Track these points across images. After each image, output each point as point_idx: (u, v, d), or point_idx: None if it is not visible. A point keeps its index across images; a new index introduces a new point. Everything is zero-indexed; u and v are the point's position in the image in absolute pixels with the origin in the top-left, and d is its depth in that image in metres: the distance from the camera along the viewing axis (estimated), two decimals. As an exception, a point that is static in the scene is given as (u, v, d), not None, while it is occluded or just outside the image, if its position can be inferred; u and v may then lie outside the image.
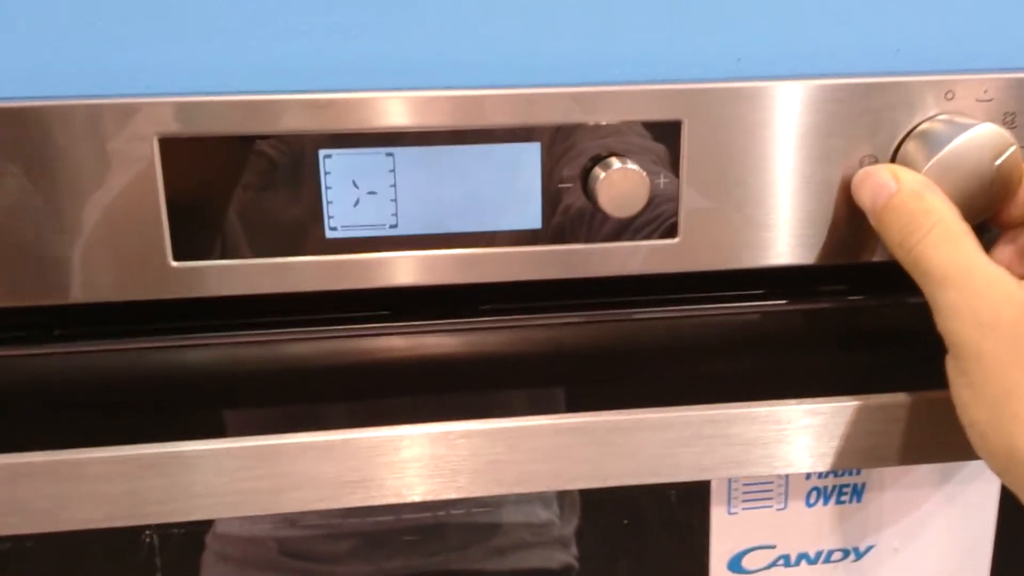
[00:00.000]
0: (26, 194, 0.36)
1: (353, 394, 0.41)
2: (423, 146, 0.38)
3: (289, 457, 0.38)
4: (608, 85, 0.38)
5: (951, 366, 0.37)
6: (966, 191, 0.39)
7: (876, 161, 0.40)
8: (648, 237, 0.40)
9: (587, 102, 0.38)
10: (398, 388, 0.41)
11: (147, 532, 0.63)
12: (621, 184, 0.38)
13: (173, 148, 0.37)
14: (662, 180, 0.39)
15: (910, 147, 0.39)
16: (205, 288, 0.39)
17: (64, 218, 0.37)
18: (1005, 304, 0.35)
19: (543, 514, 0.67)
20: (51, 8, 0.38)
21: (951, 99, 0.40)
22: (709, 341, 0.43)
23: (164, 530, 0.64)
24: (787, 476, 0.47)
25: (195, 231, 0.38)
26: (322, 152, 0.38)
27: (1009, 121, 0.40)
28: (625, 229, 0.40)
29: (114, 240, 0.37)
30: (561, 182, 0.39)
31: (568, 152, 0.39)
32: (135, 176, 0.37)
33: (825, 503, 0.48)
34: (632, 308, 0.42)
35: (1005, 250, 0.41)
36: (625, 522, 0.58)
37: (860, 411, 0.40)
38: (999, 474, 0.37)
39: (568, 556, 0.66)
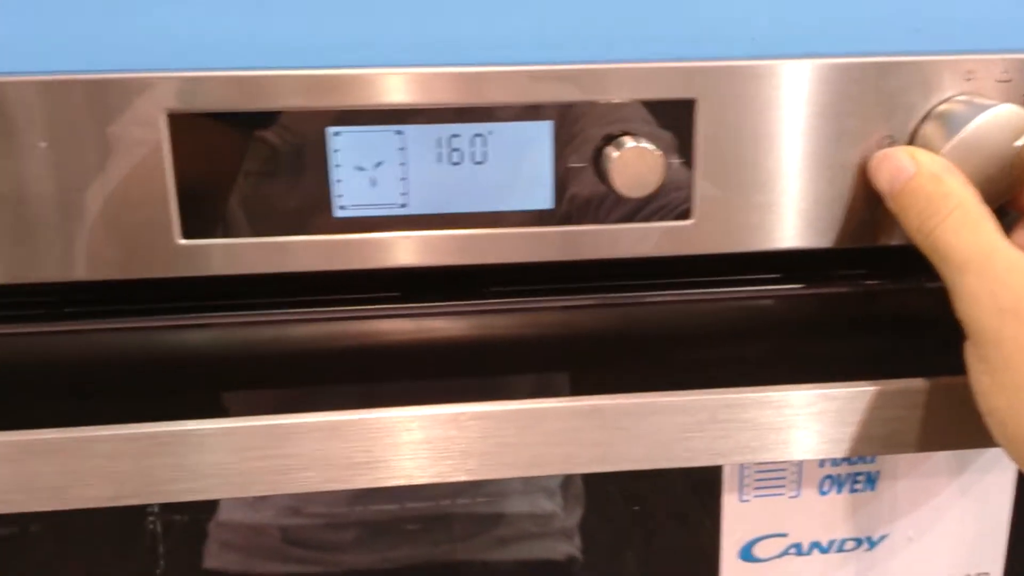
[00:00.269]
0: (35, 170, 0.36)
1: (362, 375, 0.41)
2: (433, 124, 0.38)
3: (299, 437, 0.37)
4: (621, 63, 0.37)
5: (970, 352, 0.36)
6: (985, 173, 0.38)
7: (893, 143, 0.39)
8: (661, 218, 0.40)
9: (600, 80, 0.37)
10: (408, 370, 0.41)
11: (151, 519, 0.63)
12: (635, 164, 0.37)
13: (182, 124, 0.36)
14: (675, 160, 0.39)
15: (928, 128, 0.39)
16: (213, 267, 0.38)
17: (72, 195, 0.37)
18: None
19: (547, 505, 0.67)
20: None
21: (970, 80, 0.39)
22: (723, 325, 0.42)
23: (167, 517, 0.64)
24: (801, 463, 0.46)
25: (203, 209, 0.38)
26: (331, 130, 0.37)
27: (1029, 102, 0.39)
28: (637, 210, 0.40)
29: (122, 218, 0.37)
30: (573, 162, 0.39)
31: (580, 131, 0.38)
32: (144, 152, 0.36)
33: (839, 491, 0.47)
34: (644, 291, 0.42)
35: None
36: (636, 508, 0.58)
37: (877, 397, 0.40)
38: (1018, 462, 0.36)
39: (571, 547, 0.65)
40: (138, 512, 0.63)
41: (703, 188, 0.39)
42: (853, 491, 0.47)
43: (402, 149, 0.38)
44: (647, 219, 0.40)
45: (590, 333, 0.42)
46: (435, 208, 0.39)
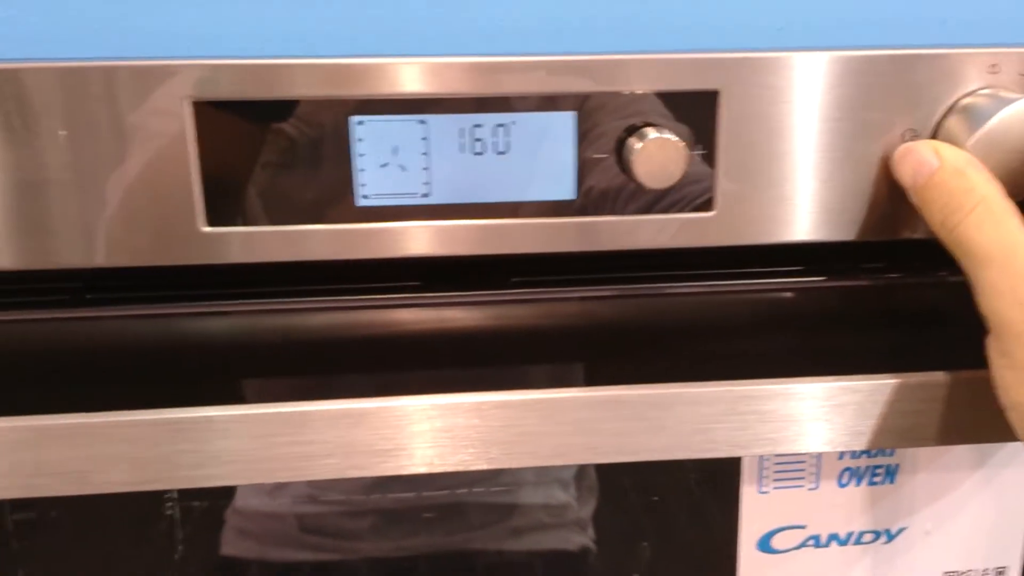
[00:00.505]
0: (58, 156, 0.36)
1: (384, 364, 0.41)
2: (456, 113, 0.38)
3: (321, 424, 0.37)
4: (645, 53, 0.37)
5: (992, 347, 0.36)
6: (1010, 167, 0.38)
7: (917, 136, 0.39)
8: (679, 210, 0.40)
9: (624, 71, 0.37)
10: (429, 358, 0.41)
11: (169, 504, 0.64)
12: (658, 154, 0.37)
13: (206, 112, 0.36)
14: (698, 151, 0.39)
15: (952, 122, 0.39)
16: (236, 254, 0.38)
17: (96, 181, 0.37)
18: None
19: (561, 496, 0.67)
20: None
21: (995, 73, 0.39)
22: (744, 317, 0.42)
23: (185, 503, 0.64)
24: (820, 456, 0.46)
25: (227, 197, 0.38)
26: (354, 119, 0.37)
27: (1055, 96, 0.39)
28: (658, 201, 0.39)
29: (146, 205, 0.37)
30: (595, 152, 0.39)
31: (603, 121, 0.38)
32: (168, 140, 0.37)
33: (858, 484, 0.47)
34: (665, 282, 0.42)
35: None
36: (655, 499, 0.58)
37: (898, 390, 0.40)
38: (1039, 455, 0.36)
39: (585, 538, 0.66)
40: (156, 498, 0.63)
41: (725, 180, 0.39)
42: (872, 484, 0.47)
43: (425, 139, 0.38)
44: (665, 211, 0.40)
45: (611, 324, 0.42)
46: (457, 198, 0.39)
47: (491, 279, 0.42)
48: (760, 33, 0.39)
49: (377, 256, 0.39)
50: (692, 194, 0.39)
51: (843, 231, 0.40)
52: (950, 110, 0.39)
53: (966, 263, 0.36)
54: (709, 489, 0.58)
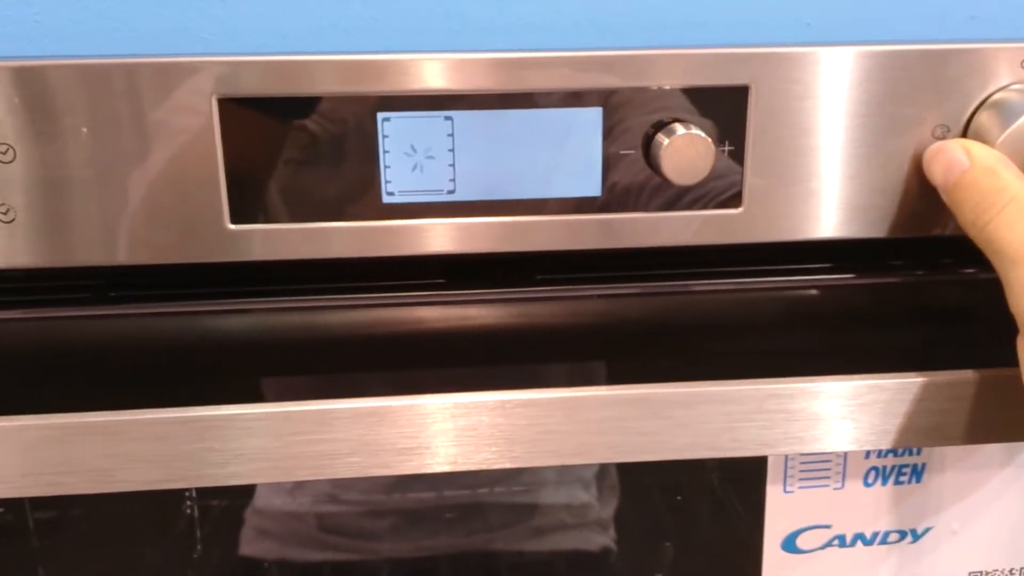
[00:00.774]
0: (82, 154, 0.36)
1: (408, 362, 0.41)
2: (483, 109, 0.37)
3: (345, 423, 0.37)
4: (674, 48, 0.37)
5: (1022, 346, 0.36)
6: (1042, 163, 0.38)
7: (948, 131, 0.38)
8: (706, 206, 0.39)
9: (653, 66, 0.37)
10: (453, 356, 0.41)
11: (188, 503, 0.64)
12: (686, 151, 0.37)
13: (232, 109, 0.36)
14: (726, 147, 0.38)
15: (983, 117, 0.38)
16: (261, 251, 0.38)
17: (121, 179, 0.37)
18: None
19: (582, 496, 0.67)
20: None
21: (1027, 68, 0.38)
22: (771, 315, 0.42)
23: (204, 502, 0.64)
24: (846, 455, 0.46)
25: (252, 194, 0.38)
26: (381, 115, 0.37)
27: (1086, 92, 0.39)
28: (682, 198, 0.39)
29: (171, 202, 0.37)
30: (620, 148, 0.38)
31: (628, 117, 0.38)
32: (194, 137, 0.36)
33: (884, 483, 0.47)
34: (692, 280, 0.41)
35: None
36: (679, 498, 0.58)
37: (925, 388, 0.39)
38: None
39: (607, 538, 0.65)
40: (175, 498, 0.63)
41: (753, 176, 0.39)
42: (898, 483, 0.47)
43: (451, 135, 0.38)
44: (689, 207, 0.39)
45: (636, 321, 0.42)
46: (483, 195, 0.39)
47: (515, 276, 0.41)
48: (788, 28, 0.39)
49: (402, 253, 0.39)
50: (716, 190, 0.39)
51: (871, 228, 0.40)
52: (981, 105, 0.38)
53: (997, 262, 0.36)
54: (732, 488, 0.58)
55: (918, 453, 0.46)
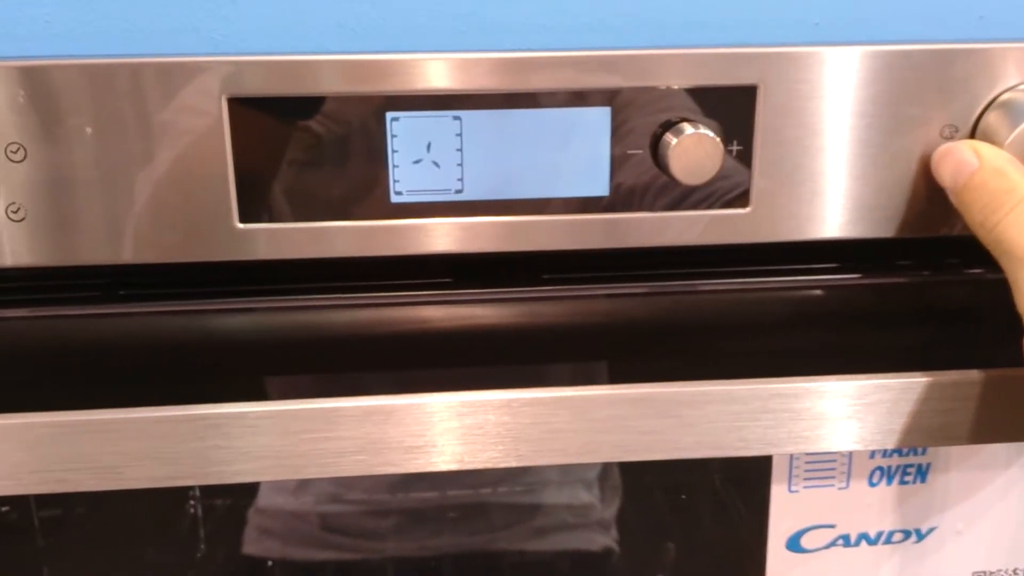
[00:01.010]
0: (93, 153, 0.36)
1: (414, 360, 0.41)
2: (491, 109, 0.37)
3: (352, 421, 0.37)
4: (682, 48, 0.37)
5: None
6: (1049, 163, 0.38)
7: (956, 131, 0.39)
8: (712, 206, 0.39)
9: (661, 65, 0.37)
10: (460, 355, 0.41)
11: (192, 503, 0.64)
12: (695, 150, 0.37)
13: (242, 108, 0.36)
14: (734, 147, 0.38)
15: (992, 118, 0.38)
16: (269, 251, 0.38)
17: (130, 178, 0.37)
18: None
19: (585, 496, 0.67)
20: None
21: (1035, 68, 0.38)
22: (777, 314, 0.42)
23: (208, 501, 0.64)
24: (850, 454, 0.46)
25: (261, 193, 0.38)
26: (389, 115, 0.37)
27: (1095, 93, 0.39)
28: (688, 197, 0.39)
29: (180, 201, 0.37)
30: (630, 148, 0.38)
31: (635, 117, 0.38)
32: (203, 136, 0.36)
33: (888, 483, 0.47)
34: (699, 279, 0.41)
35: None
36: (683, 498, 0.58)
37: (931, 388, 0.39)
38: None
39: (608, 539, 0.65)
40: (179, 497, 0.63)
41: (760, 176, 0.39)
42: (903, 483, 0.47)
43: (459, 135, 0.38)
44: (696, 207, 0.39)
45: (642, 321, 0.42)
46: (491, 194, 0.39)
47: (522, 276, 0.41)
48: (796, 28, 0.39)
49: (410, 253, 0.39)
50: (723, 190, 0.39)
51: (878, 228, 0.40)
52: (989, 106, 0.38)
53: (1005, 262, 0.36)
54: (736, 488, 0.58)
55: (923, 453, 0.47)
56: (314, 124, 0.37)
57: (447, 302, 0.41)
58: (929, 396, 0.40)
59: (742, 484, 0.59)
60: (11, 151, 0.36)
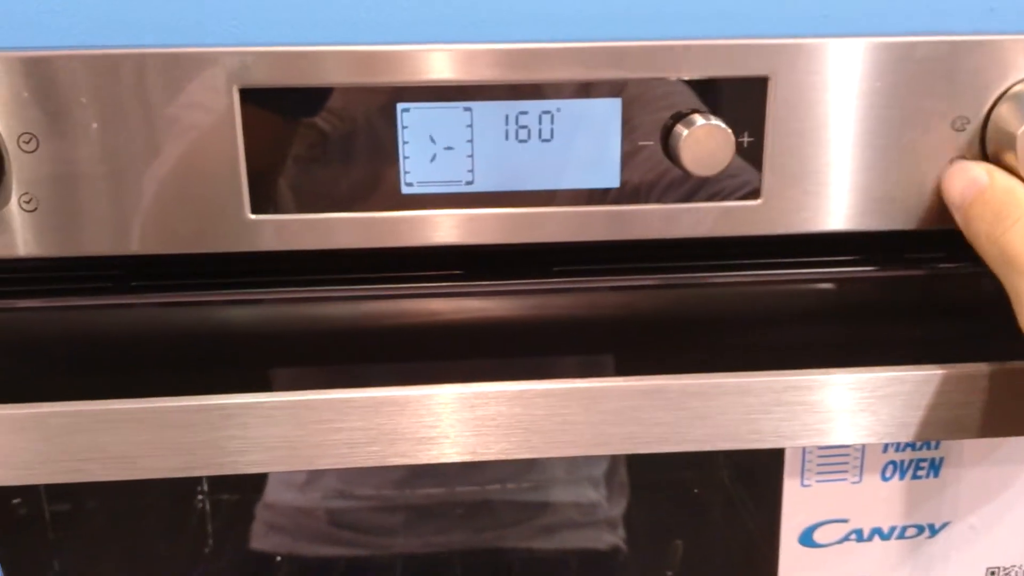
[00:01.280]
0: (105, 143, 0.36)
1: (427, 352, 0.41)
2: (501, 100, 0.37)
3: (365, 412, 0.37)
4: (694, 39, 0.37)
5: None
6: (1060, 155, 0.37)
7: (968, 123, 0.38)
8: (724, 198, 0.39)
9: (673, 57, 0.37)
10: (472, 347, 0.41)
11: (200, 498, 0.64)
12: (706, 142, 0.37)
13: (254, 99, 0.36)
14: (745, 139, 0.38)
15: (1003, 109, 0.38)
16: (281, 241, 0.38)
17: (142, 169, 0.37)
18: None
19: (592, 494, 0.67)
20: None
21: (1046, 60, 0.38)
22: (790, 307, 0.42)
23: (217, 496, 0.64)
24: (863, 448, 0.46)
25: (272, 184, 0.38)
26: (400, 106, 0.37)
27: (1107, 84, 0.39)
28: (699, 189, 0.39)
29: (192, 192, 0.37)
30: (640, 139, 0.38)
31: (646, 108, 0.38)
32: (214, 127, 0.37)
33: (901, 477, 0.47)
34: (712, 271, 0.41)
35: None
36: (690, 494, 0.58)
37: (946, 381, 0.39)
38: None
39: (616, 537, 0.65)
40: (188, 492, 0.63)
41: (772, 168, 0.39)
42: (916, 478, 0.47)
43: (470, 126, 0.38)
44: (707, 199, 0.39)
45: (654, 313, 0.42)
46: (501, 186, 0.39)
47: (533, 268, 0.41)
48: (807, 20, 0.39)
49: (422, 244, 0.39)
50: (735, 182, 0.39)
51: (890, 220, 0.40)
52: (1001, 97, 0.38)
53: (1009, 273, 0.36)
54: (745, 484, 0.57)
55: (936, 447, 0.46)
56: (324, 116, 0.37)
57: (458, 294, 0.41)
58: (943, 389, 0.39)
59: (751, 480, 0.59)
60: (23, 141, 0.36)
